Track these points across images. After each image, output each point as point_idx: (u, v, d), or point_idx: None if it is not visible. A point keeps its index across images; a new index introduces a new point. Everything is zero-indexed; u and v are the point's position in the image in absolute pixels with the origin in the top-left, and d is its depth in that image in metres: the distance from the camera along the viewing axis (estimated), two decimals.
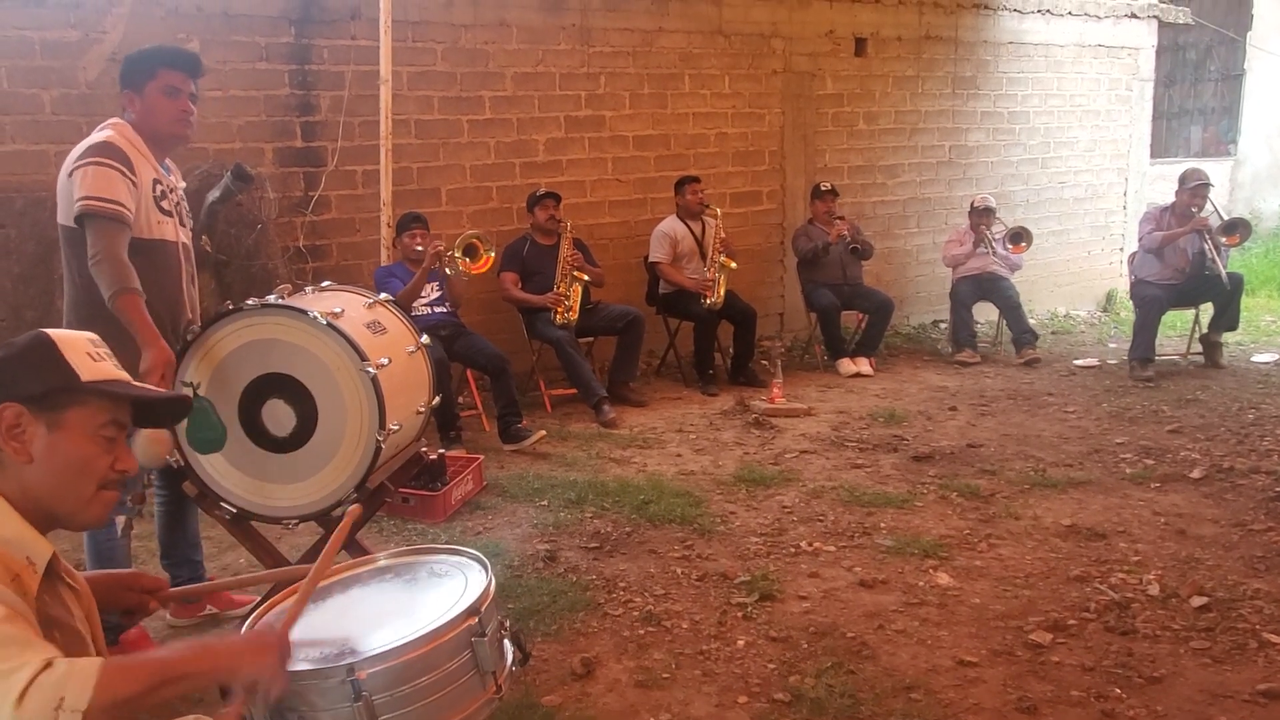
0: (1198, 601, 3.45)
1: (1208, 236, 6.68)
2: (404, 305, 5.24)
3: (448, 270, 5.45)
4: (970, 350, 7.36)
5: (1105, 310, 9.47)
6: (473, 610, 1.59)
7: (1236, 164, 12.70)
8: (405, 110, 5.93)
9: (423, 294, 5.49)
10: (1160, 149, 12.42)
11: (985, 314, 7.78)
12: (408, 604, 1.70)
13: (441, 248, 5.34)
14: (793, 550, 3.98)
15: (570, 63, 6.62)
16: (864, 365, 6.97)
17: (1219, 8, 12.19)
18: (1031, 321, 7.77)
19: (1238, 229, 6.88)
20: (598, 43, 6.69)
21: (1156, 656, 3.12)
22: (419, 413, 3.28)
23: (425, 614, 1.60)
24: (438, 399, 3.49)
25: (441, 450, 4.68)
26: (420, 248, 5.40)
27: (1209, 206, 6.86)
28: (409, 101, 5.98)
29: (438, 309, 5.58)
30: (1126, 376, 6.73)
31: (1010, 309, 7.47)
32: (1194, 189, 6.79)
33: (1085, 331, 8.66)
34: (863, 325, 7.22)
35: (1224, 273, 6.71)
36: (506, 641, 1.69)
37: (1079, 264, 9.46)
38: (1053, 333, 8.50)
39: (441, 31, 6.12)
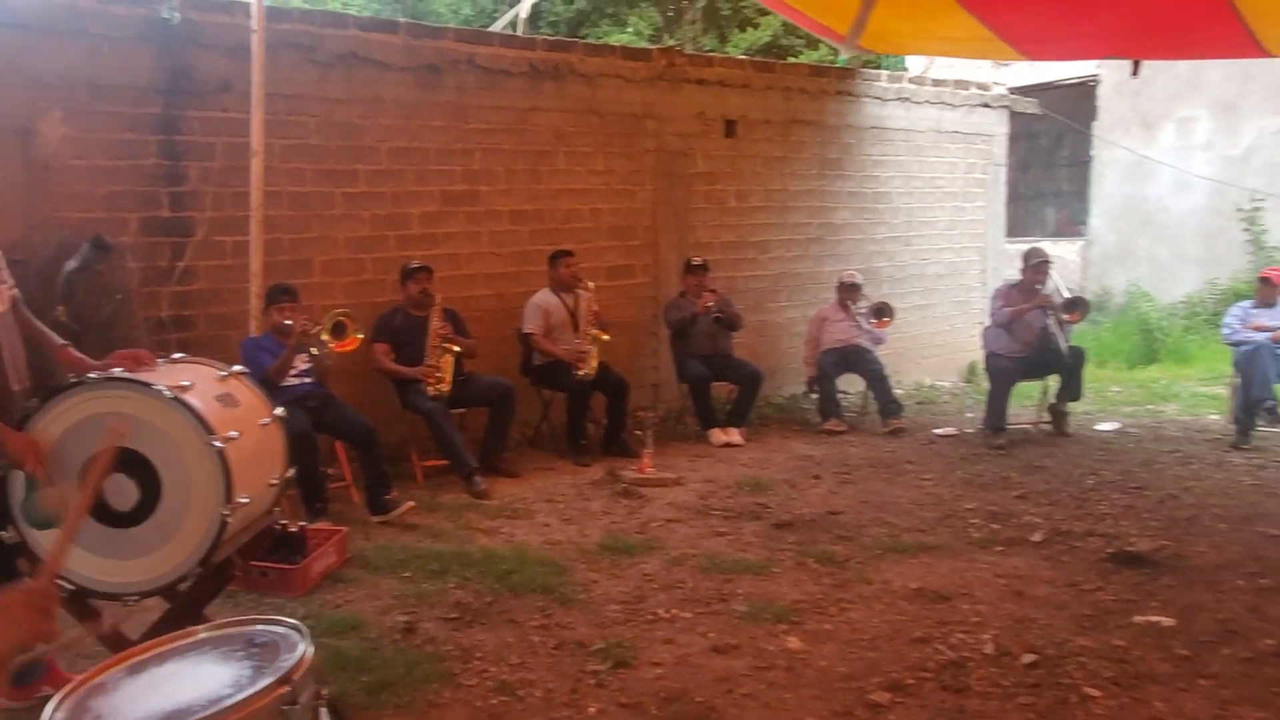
0: (1028, 659, 3.64)
1: (1050, 313, 7.12)
2: (275, 380, 5.24)
3: (313, 350, 5.43)
4: (837, 420, 7.62)
5: (968, 381, 9.90)
6: (284, 679, 1.62)
7: (1088, 244, 13.53)
8: (278, 182, 5.94)
9: (292, 365, 5.47)
10: (1018, 229, 13.17)
11: (857, 385, 8.08)
12: (221, 676, 1.72)
13: (308, 327, 5.33)
14: (650, 618, 4.06)
15: (445, 138, 6.74)
16: (734, 435, 7.15)
17: (1067, 99, 13.07)
18: (899, 392, 8.10)
19: (1078, 307, 7.33)
20: (473, 119, 6.83)
21: (986, 713, 3.28)
22: (271, 485, 3.28)
23: (238, 684, 1.63)
24: (292, 471, 3.48)
25: (303, 523, 4.63)
26: (289, 321, 5.39)
27: (1051, 284, 7.31)
28: (281, 173, 6.00)
29: (306, 380, 5.55)
30: (981, 445, 7.06)
31: (876, 380, 7.77)
32: (1035, 265, 7.25)
33: (948, 401, 9.04)
34: (733, 396, 7.42)
35: (1065, 347, 7.14)
36: (324, 711, 1.73)
37: (942, 337, 9.91)
38: (918, 403, 8.85)
39: (315, 105, 6.18)
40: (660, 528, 5.29)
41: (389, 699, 3.32)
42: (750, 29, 17.38)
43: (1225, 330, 7.45)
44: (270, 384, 5.02)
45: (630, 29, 17.44)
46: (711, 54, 10.29)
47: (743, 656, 3.70)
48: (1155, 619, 3.99)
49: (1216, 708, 3.28)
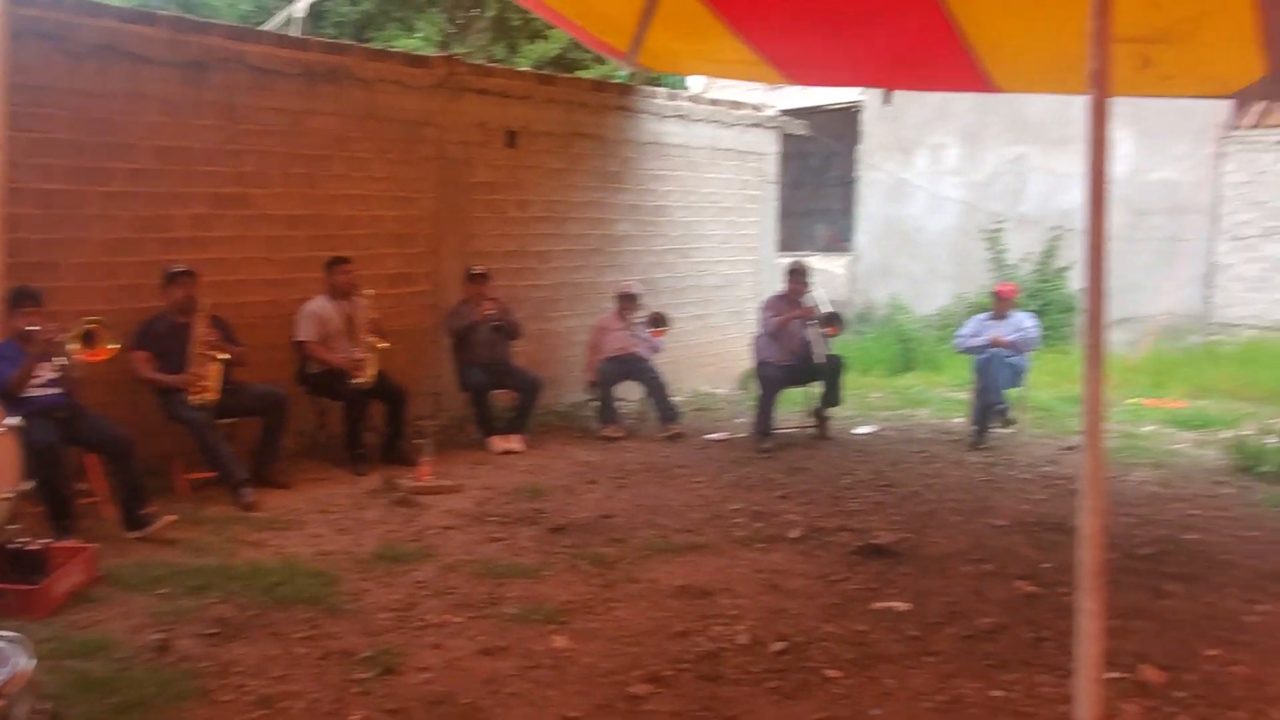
0: (777, 646, 3.90)
1: (810, 324, 7.60)
2: (16, 390, 4.89)
3: (59, 359, 5.08)
4: (616, 427, 7.82)
5: (744, 388, 10.35)
6: None
7: (854, 259, 14.42)
8: (23, 178, 5.56)
9: (35, 374, 5.12)
10: (791, 244, 13.87)
11: (637, 393, 8.31)
12: None
13: (53, 335, 5.01)
14: (420, 624, 4.07)
15: (215, 138, 6.49)
16: (515, 443, 7.22)
17: (835, 122, 13.91)
18: (678, 399, 8.39)
19: (833, 321, 7.84)
20: (245, 120, 6.61)
21: (737, 698, 3.49)
22: (3, 500, 3.10)
23: None
24: (31, 485, 3.30)
25: (47, 541, 4.36)
26: (33, 327, 5.04)
27: (814, 297, 7.79)
28: (27, 169, 5.62)
29: (52, 391, 5.21)
30: (750, 448, 7.42)
31: (653, 388, 8.03)
32: (796, 278, 7.78)
33: (723, 408, 9.42)
34: (514, 404, 7.49)
35: (824, 355, 7.63)
36: None
37: (719, 346, 10.32)
38: (695, 409, 9.17)
39: (66, 98, 5.83)
40: (436, 535, 5.30)
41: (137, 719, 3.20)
42: (541, 41, 17.52)
43: (957, 340, 8.15)
44: (11, 395, 4.71)
45: (419, 34, 17.22)
46: (494, 64, 10.34)
47: (510, 657, 3.78)
48: (892, 604, 4.35)
49: (939, 681, 3.62)
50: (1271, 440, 6.91)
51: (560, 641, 3.92)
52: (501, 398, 7.56)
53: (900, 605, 4.34)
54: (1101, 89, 2.79)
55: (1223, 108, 11.13)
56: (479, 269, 7.45)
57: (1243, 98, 6.72)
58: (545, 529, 5.43)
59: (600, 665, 3.73)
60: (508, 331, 7.44)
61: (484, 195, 8.13)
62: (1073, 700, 2.80)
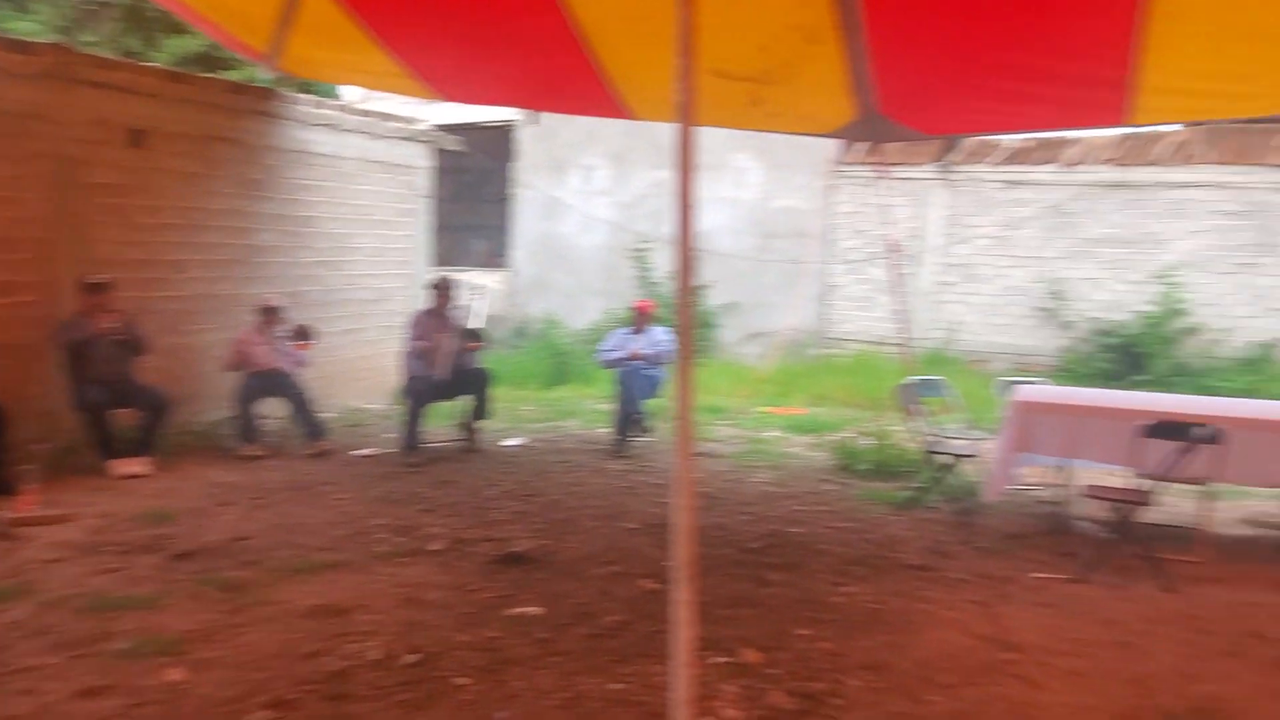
0: (410, 659, 3.92)
1: (456, 338, 7.69)
2: None
3: None
4: (257, 445, 7.47)
5: (396, 403, 10.23)
6: None
7: (511, 275, 14.69)
8: None
9: None
10: (450, 258, 13.92)
11: (284, 409, 7.98)
12: None
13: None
14: (11, 669, 3.70)
15: None
16: (139, 465, 6.71)
17: (492, 139, 14.12)
18: (328, 415, 8.15)
19: (473, 337, 7.99)
20: None
21: (363, 714, 3.48)
22: None
23: None
24: None
25: None
26: None
27: (464, 310, 7.88)
28: None
29: None
30: (398, 463, 7.37)
31: (298, 404, 7.76)
32: (441, 292, 7.84)
33: (374, 423, 9.26)
34: (137, 424, 6.96)
35: (471, 370, 7.74)
36: None
37: (372, 360, 10.14)
38: (346, 425, 8.95)
39: None
40: (37, 570, 4.82)
41: None
42: (181, 35, 16.38)
43: (599, 353, 8.57)
44: None
45: (36, 18, 15.54)
46: (116, 58, 9.55)
47: (115, 696, 3.53)
48: (526, 610, 4.50)
49: (563, 679, 3.80)
50: (866, 441, 7.81)
51: (175, 674, 3.72)
52: (124, 417, 6.99)
53: (533, 610, 4.50)
54: (686, 119, 3.07)
55: (834, 145, 12.46)
56: (97, 279, 6.86)
57: (840, 136, 7.58)
58: (168, 556, 5.09)
59: (218, 695, 3.58)
60: (131, 346, 6.91)
61: (106, 198, 7.48)
62: (669, 686, 3.05)
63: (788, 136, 10.77)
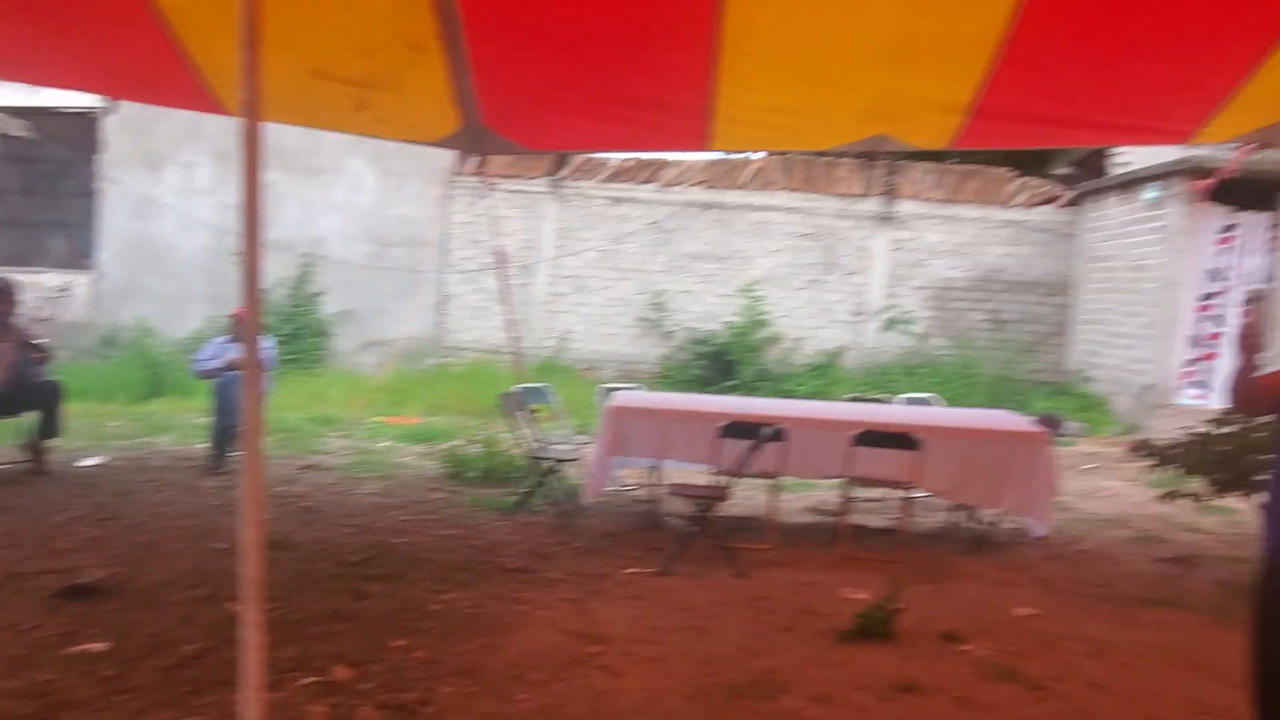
0: None
1: (17, 348, 6.84)
2: None
3: None
4: None
5: None
6: None
7: (98, 277, 13.32)
8: None
9: None
10: (24, 258, 12.39)
11: None
12: None
13: None
14: None
15: None
16: None
17: (72, 127, 12.72)
18: None
19: (38, 348, 7.12)
20: None
21: None
22: None
23: None
24: None
25: None
26: None
27: (29, 316, 7.03)
28: None
29: None
30: None
31: None
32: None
33: None
34: None
35: (35, 382, 6.93)
36: None
37: None
38: None
39: None
40: None
41: None
42: None
43: (195, 363, 7.96)
44: None
45: None
46: None
47: None
48: (89, 647, 4.09)
49: (130, 717, 3.49)
50: (476, 449, 7.90)
51: None
52: None
53: (98, 646, 4.10)
54: (252, 116, 2.95)
55: (449, 154, 12.52)
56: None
57: (447, 146, 7.61)
58: None
59: None
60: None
61: None
62: (238, 715, 2.90)
63: (402, 144, 10.68)
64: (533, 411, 7.36)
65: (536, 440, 7.02)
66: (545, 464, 6.77)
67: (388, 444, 9.09)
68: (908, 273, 13.14)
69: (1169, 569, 6.00)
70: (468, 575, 5.27)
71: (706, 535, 5.82)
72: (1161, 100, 5.37)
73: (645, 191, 13.15)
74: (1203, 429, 5.71)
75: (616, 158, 13.12)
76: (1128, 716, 3.88)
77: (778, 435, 5.83)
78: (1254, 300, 3.38)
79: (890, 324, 13.02)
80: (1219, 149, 8.10)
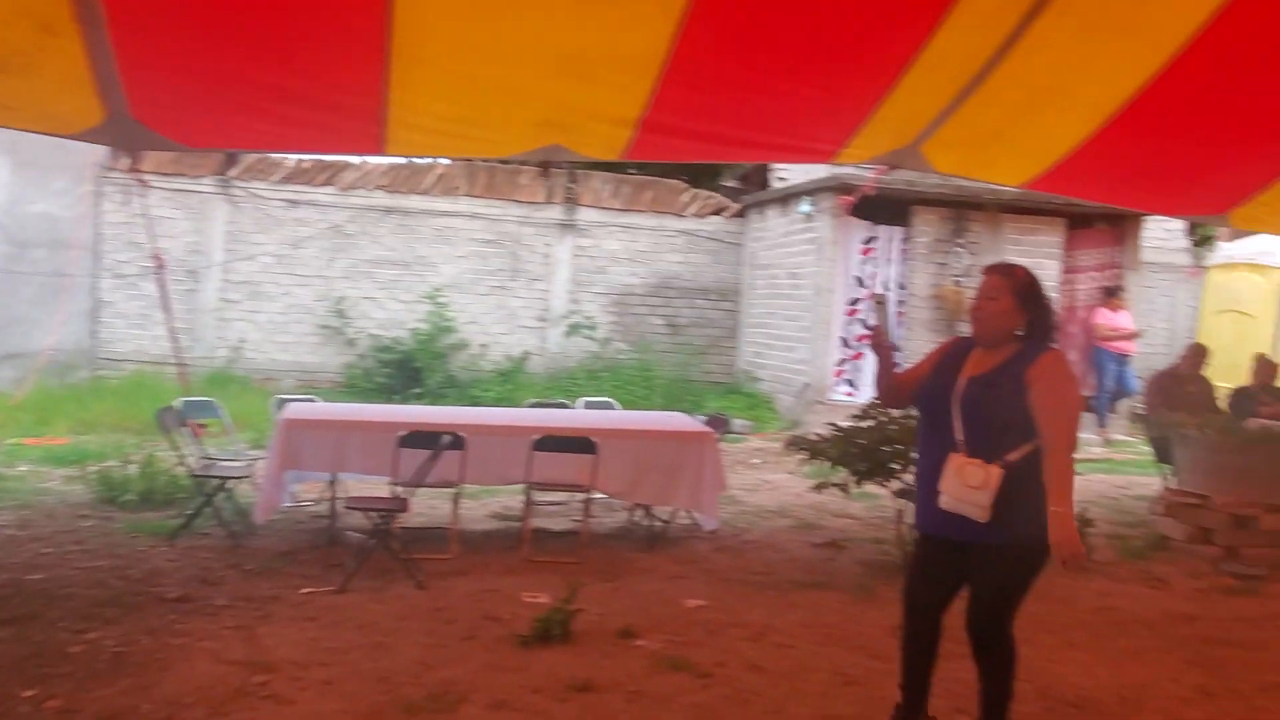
0: None
1: None
2: None
3: None
4: None
5: None
6: None
7: None
8: None
9: None
10: None
11: None
12: None
13: None
14: None
15: None
16: None
17: None
18: None
19: None
20: None
21: None
22: None
23: None
24: None
25: None
26: None
27: None
28: None
29: None
30: None
31: None
32: None
33: None
34: None
35: None
36: None
37: None
38: None
39: None
40: None
41: None
42: None
43: None
44: None
45: None
46: None
47: None
48: None
49: None
50: (134, 469, 7.24)
51: None
52: None
53: None
54: None
55: (101, 148, 11.43)
56: None
57: (91, 140, 6.92)
58: None
59: None
60: None
61: None
62: None
63: (40, 135, 9.64)
64: (201, 426, 6.88)
65: (203, 458, 6.55)
66: (212, 483, 6.33)
67: (27, 468, 8.15)
68: (589, 279, 13.51)
69: (822, 553, 6.55)
70: (117, 610, 4.82)
71: (386, 549, 5.67)
72: (807, 122, 5.85)
73: (324, 194, 12.65)
74: (847, 424, 6.27)
75: (292, 159, 12.54)
76: (780, 693, 4.18)
77: (457, 443, 5.79)
78: (875, 305, 3.79)
79: (573, 329, 13.32)
80: (860, 168, 8.94)
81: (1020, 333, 3.48)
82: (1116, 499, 8.75)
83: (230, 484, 6.41)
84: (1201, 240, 15.14)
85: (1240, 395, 8.60)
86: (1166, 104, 5.06)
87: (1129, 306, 12.23)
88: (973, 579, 3.46)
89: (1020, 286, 3.46)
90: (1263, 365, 8.95)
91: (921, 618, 3.58)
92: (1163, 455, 7.74)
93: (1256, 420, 7.76)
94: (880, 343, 3.64)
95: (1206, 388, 8.52)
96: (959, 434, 3.38)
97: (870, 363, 11.89)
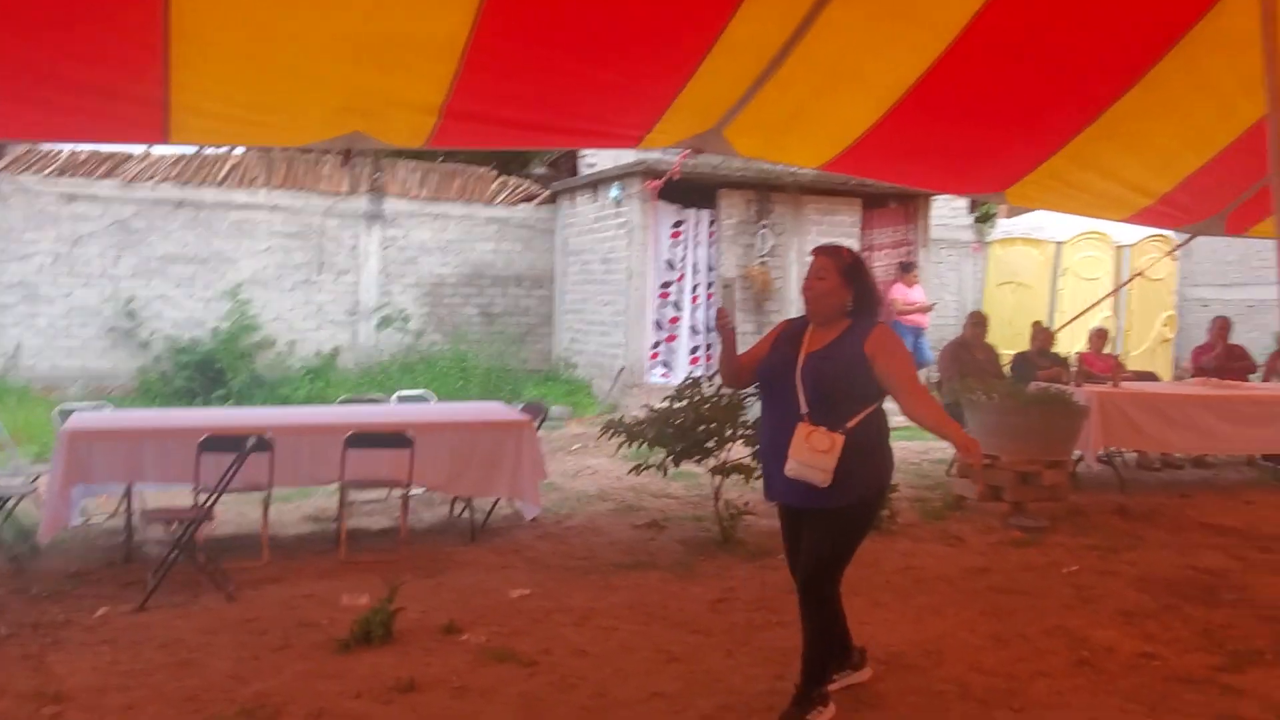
0: None
1: None
2: None
3: None
4: None
5: None
6: None
7: None
8: None
9: None
10: None
11: None
12: None
13: None
14: None
15: None
16: None
17: None
18: None
19: None
20: None
21: None
22: None
23: None
24: None
25: None
26: None
27: None
28: None
29: None
30: None
31: None
32: None
33: None
34: None
35: None
36: None
37: None
38: None
39: None
40: None
41: None
42: None
43: None
44: None
45: None
46: None
47: None
48: None
49: None
50: None
51: None
52: None
53: None
54: None
55: None
56: None
57: None
58: None
59: None
60: None
61: None
62: None
63: None
64: None
65: None
66: None
67: None
68: (400, 270, 13.19)
69: (643, 534, 6.63)
70: None
71: (191, 561, 5.37)
72: (611, 107, 5.87)
73: (106, 187, 11.82)
74: (662, 405, 6.36)
75: (67, 149, 11.65)
76: (605, 675, 4.21)
77: (263, 445, 5.54)
78: (722, 289, 3.95)
79: (385, 322, 12.98)
80: (666, 152, 9.06)
81: (850, 308, 3.71)
82: (917, 464, 9.25)
83: (10, 503, 5.92)
84: (983, 217, 16.16)
85: (1021, 360, 9.25)
86: (948, 88, 5.35)
87: (921, 281, 12.94)
88: (806, 539, 3.67)
89: (845, 266, 3.73)
90: (1040, 332, 9.65)
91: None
92: (956, 420, 8.22)
93: (1036, 383, 8.35)
94: (725, 325, 3.79)
95: (992, 355, 9.10)
96: (804, 406, 3.58)
97: (685, 344, 12.13)
